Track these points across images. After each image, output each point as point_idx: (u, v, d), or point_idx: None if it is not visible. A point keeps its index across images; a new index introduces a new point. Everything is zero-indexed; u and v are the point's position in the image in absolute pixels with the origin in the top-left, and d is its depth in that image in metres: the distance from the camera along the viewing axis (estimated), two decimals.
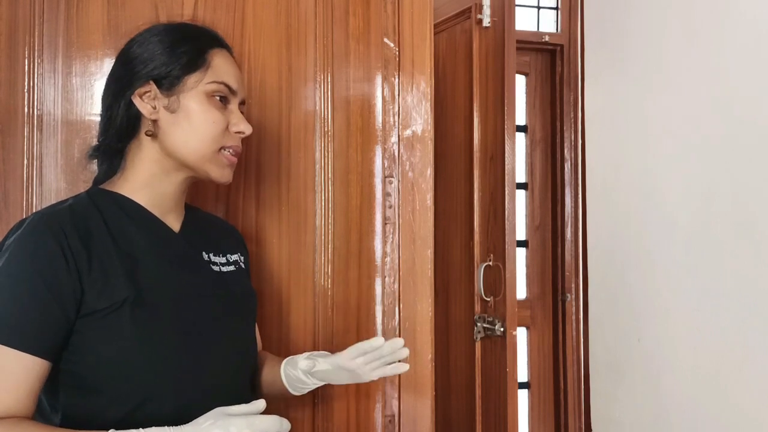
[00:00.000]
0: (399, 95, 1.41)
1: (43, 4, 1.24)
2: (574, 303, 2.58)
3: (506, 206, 1.98)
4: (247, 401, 1.06)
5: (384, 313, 1.38)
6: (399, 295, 1.39)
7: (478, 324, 2.08)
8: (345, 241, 1.38)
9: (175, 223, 1.04)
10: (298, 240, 1.36)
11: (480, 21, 2.10)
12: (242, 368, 1.06)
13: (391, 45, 1.41)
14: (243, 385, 1.05)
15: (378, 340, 1.02)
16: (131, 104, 0.97)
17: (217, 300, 1.02)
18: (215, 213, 1.28)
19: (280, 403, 1.32)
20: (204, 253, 1.05)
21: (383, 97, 1.41)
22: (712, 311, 1.89)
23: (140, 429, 0.84)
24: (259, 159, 1.34)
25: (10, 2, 1.22)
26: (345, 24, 1.39)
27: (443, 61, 2.32)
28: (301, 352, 1.12)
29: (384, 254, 1.39)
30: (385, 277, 1.39)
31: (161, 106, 0.97)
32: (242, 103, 1.05)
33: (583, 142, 2.55)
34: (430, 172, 1.42)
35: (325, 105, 1.38)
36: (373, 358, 1.04)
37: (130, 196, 0.99)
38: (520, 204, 2.66)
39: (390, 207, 1.40)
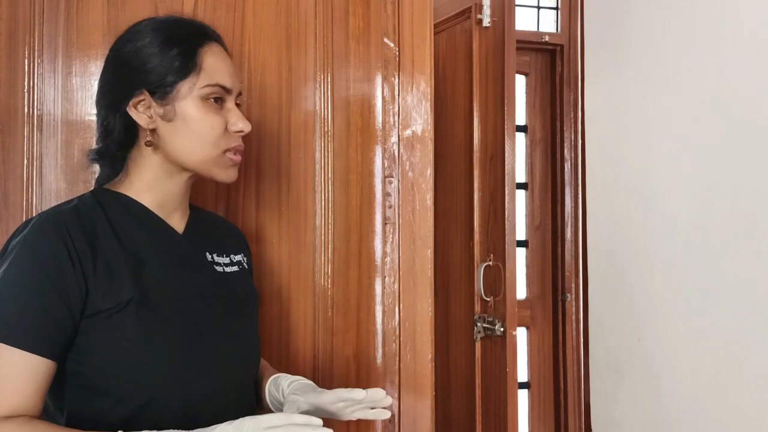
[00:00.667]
0: (399, 95, 1.41)
1: (43, 4, 1.24)
2: (574, 303, 2.58)
3: (506, 206, 1.98)
4: (250, 400, 1.06)
5: (384, 313, 1.38)
6: (399, 295, 1.39)
7: (478, 324, 2.08)
8: (345, 241, 1.38)
9: (179, 224, 1.04)
10: (298, 240, 1.36)
11: (480, 21, 2.10)
12: (245, 367, 1.06)
13: (391, 45, 1.41)
14: (246, 385, 1.05)
15: (359, 394, 0.99)
16: (127, 115, 0.96)
17: (219, 300, 1.02)
18: (215, 212, 1.28)
19: None
20: (207, 253, 1.05)
21: (383, 97, 1.41)
22: (712, 311, 1.88)
23: None
24: (259, 159, 1.34)
25: (10, 2, 1.22)
26: (345, 24, 1.39)
27: (443, 61, 2.31)
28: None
29: (384, 254, 1.39)
30: (385, 277, 1.39)
31: (157, 115, 0.96)
32: (239, 94, 1.03)
33: (583, 142, 2.55)
34: (430, 172, 1.41)
35: (325, 105, 1.38)
36: (354, 404, 1.02)
37: (134, 198, 0.99)
38: (520, 204, 2.66)
39: (390, 207, 1.40)
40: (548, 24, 2.71)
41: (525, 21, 2.65)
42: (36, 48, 1.23)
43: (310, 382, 1.08)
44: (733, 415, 1.81)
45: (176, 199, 1.03)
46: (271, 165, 1.35)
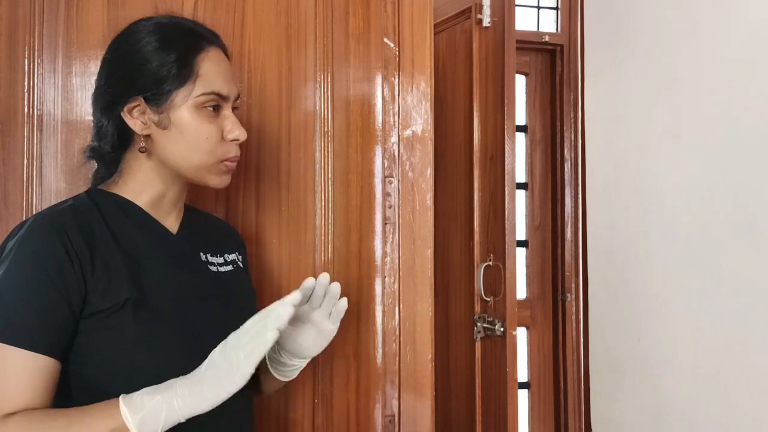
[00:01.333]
0: (399, 95, 1.41)
1: (43, 4, 1.24)
2: (574, 303, 2.58)
3: (506, 206, 1.98)
4: (248, 398, 1.06)
5: (384, 313, 1.38)
6: (399, 295, 1.39)
7: (478, 324, 2.08)
8: (345, 241, 1.38)
9: (173, 225, 1.04)
10: (298, 240, 1.36)
11: (480, 21, 2.10)
12: None
13: (391, 45, 1.41)
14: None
15: (309, 281, 1.04)
16: (121, 120, 0.96)
17: (217, 300, 1.02)
18: (215, 213, 1.28)
19: (280, 403, 1.33)
20: (201, 253, 1.06)
21: (383, 97, 1.41)
22: (712, 311, 1.88)
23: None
24: (259, 159, 1.34)
25: (10, 2, 1.22)
26: (345, 24, 1.39)
27: (443, 61, 2.32)
28: None
29: (384, 254, 1.39)
30: (385, 277, 1.39)
31: (152, 122, 0.96)
32: (237, 97, 1.02)
33: (583, 142, 2.55)
34: (430, 172, 1.41)
35: (325, 105, 1.38)
36: (317, 302, 1.05)
37: (129, 199, 0.99)
38: (520, 204, 2.66)
39: (390, 207, 1.40)
40: (548, 24, 2.71)
41: (525, 21, 2.65)
42: (36, 48, 1.23)
43: None
44: (733, 415, 1.81)
45: (171, 202, 1.03)
46: (271, 165, 1.35)
